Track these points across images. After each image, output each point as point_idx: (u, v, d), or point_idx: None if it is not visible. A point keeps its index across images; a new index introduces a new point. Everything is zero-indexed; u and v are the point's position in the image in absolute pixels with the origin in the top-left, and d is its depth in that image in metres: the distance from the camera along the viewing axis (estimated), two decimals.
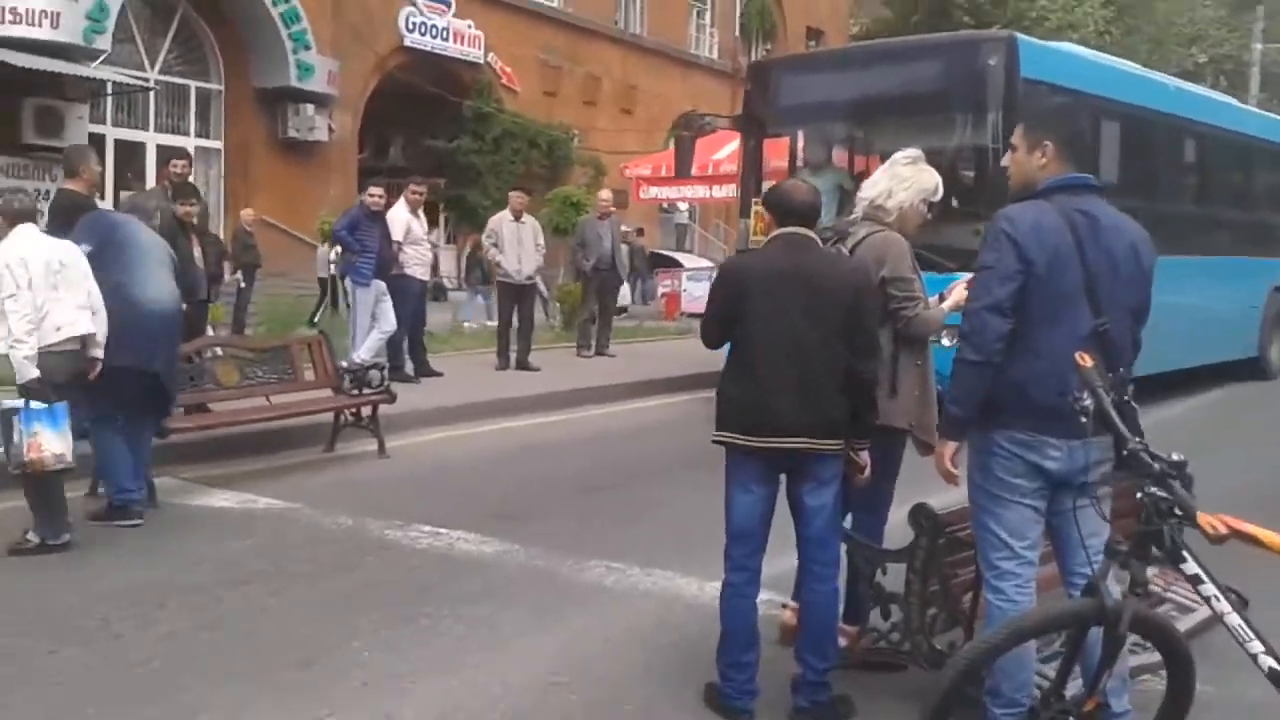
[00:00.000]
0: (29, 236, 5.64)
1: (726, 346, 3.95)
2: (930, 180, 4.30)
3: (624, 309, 20.32)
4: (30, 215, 5.76)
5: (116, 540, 5.82)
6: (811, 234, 3.87)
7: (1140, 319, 3.39)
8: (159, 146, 18.08)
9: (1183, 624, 4.25)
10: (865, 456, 3.92)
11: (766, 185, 10.56)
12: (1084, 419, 2.87)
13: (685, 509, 6.42)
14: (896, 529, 4.23)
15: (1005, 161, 3.61)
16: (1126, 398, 3.25)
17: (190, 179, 9.33)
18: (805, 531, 3.90)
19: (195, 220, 8.43)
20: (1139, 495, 2.71)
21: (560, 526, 6.29)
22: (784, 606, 4.51)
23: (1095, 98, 9.82)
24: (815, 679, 3.82)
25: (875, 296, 3.97)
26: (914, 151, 4.35)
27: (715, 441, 3.87)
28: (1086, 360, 2.99)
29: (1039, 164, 3.38)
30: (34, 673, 4.14)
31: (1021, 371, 3.27)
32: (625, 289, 20.73)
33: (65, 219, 7.04)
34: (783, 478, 3.89)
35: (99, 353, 5.80)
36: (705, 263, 23.28)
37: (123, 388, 6.01)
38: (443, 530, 6.05)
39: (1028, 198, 3.38)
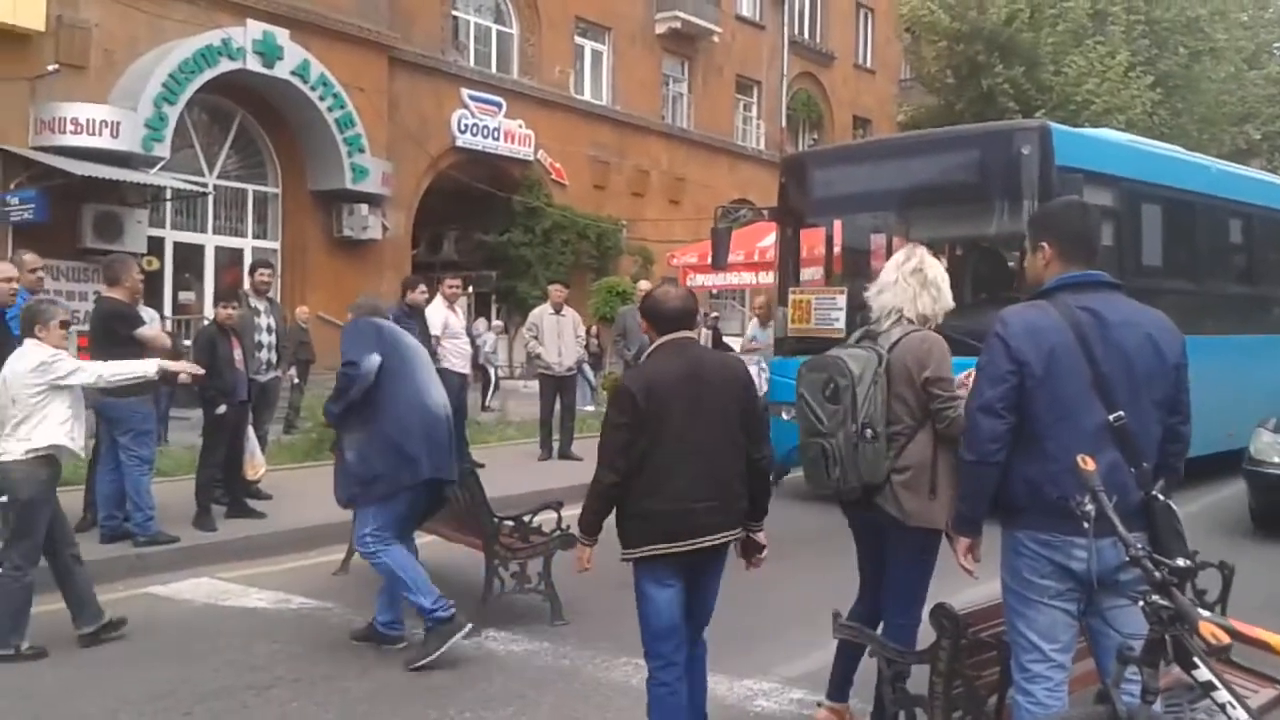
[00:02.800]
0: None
1: None
2: (943, 271, 4.31)
3: None
4: (24, 330, 5.86)
5: (146, 645, 5.85)
6: (692, 335, 4.08)
7: (1174, 410, 3.31)
8: (218, 248, 18.64)
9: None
10: (763, 537, 4.14)
11: (805, 273, 10.70)
12: (1086, 524, 2.82)
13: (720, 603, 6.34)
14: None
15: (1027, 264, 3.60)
16: (1155, 493, 3.19)
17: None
18: (701, 618, 4.09)
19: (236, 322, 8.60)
20: (1140, 604, 2.64)
21: (594, 623, 6.22)
22: (819, 705, 4.50)
23: (1133, 182, 9.79)
24: None
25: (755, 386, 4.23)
26: (921, 253, 4.30)
27: (641, 559, 3.90)
28: (1089, 464, 2.94)
29: (1042, 264, 3.38)
30: None
31: (1035, 471, 3.24)
32: None
33: (104, 325, 7.31)
34: None
35: None
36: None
37: (425, 501, 5.72)
38: (472, 629, 5.99)
39: (1034, 297, 3.37)
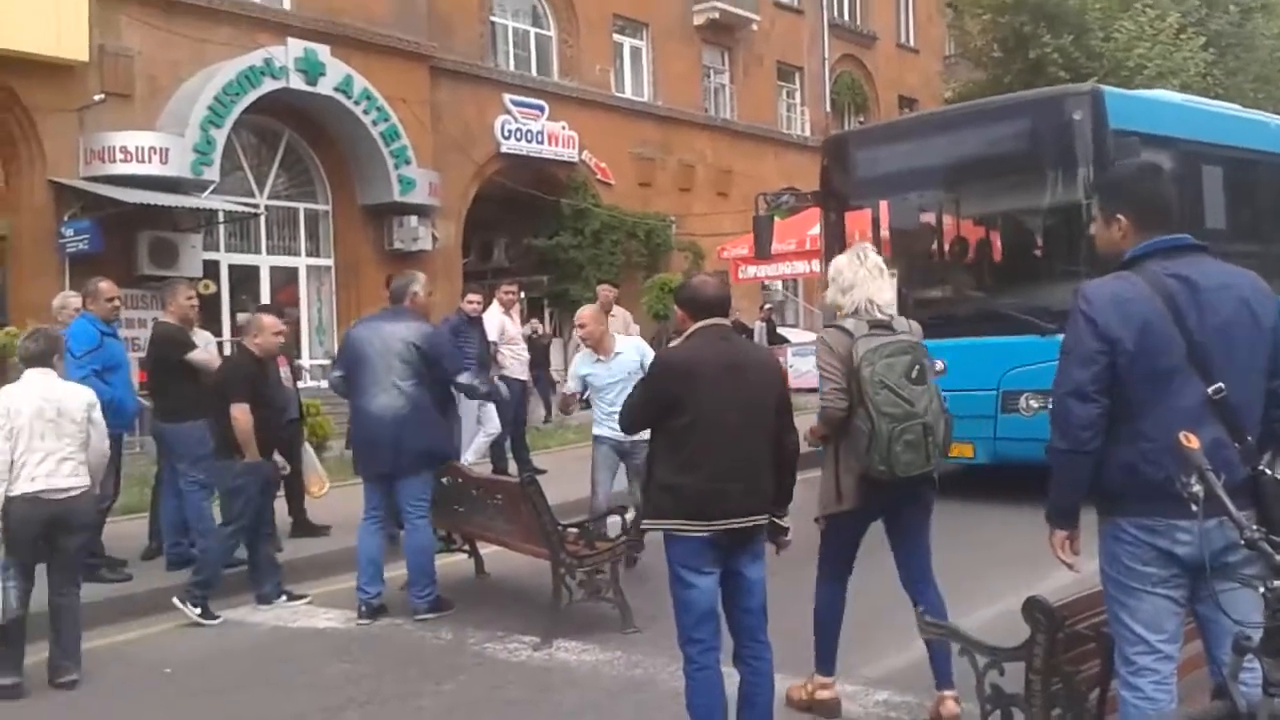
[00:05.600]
0: (30, 383, 5.48)
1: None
2: None
3: None
4: (41, 359, 5.54)
5: (216, 669, 5.82)
6: (725, 322, 4.15)
7: (1277, 374, 3.09)
8: (272, 268, 18.79)
9: None
10: (787, 521, 4.23)
11: None
12: (1194, 506, 2.61)
13: (793, 602, 6.17)
14: (1000, 619, 3.95)
15: (1092, 231, 3.44)
16: (1262, 467, 2.98)
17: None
18: (748, 603, 4.05)
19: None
20: (1261, 590, 2.44)
21: (665, 630, 6.02)
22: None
23: (1191, 143, 9.46)
24: None
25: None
26: (870, 249, 4.70)
27: (677, 540, 3.95)
28: (1192, 441, 2.72)
29: (1119, 236, 3.17)
30: None
31: (1130, 454, 3.02)
32: None
33: (157, 350, 7.40)
34: None
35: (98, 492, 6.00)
36: (811, 336, 23.01)
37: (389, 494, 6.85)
38: (543, 640, 5.91)
39: (1119, 268, 3.16)
